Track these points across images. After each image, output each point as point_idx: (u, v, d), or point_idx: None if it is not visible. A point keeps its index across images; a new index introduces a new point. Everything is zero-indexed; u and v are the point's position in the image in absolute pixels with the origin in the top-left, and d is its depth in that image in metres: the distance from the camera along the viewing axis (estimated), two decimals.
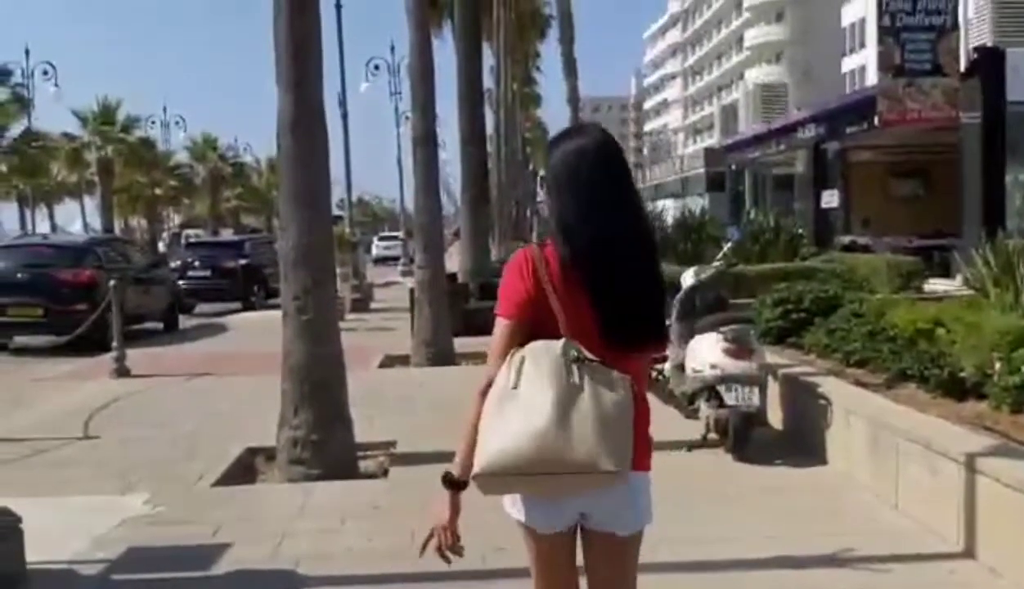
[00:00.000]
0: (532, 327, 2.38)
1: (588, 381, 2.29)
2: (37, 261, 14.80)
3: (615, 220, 2.42)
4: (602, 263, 2.38)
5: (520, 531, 2.52)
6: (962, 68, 18.61)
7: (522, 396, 2.28)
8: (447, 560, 2.48)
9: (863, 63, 47.91)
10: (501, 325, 2.42)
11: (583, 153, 2.45)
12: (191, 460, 6.71)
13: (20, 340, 14.29)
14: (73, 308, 12.62)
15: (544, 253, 2.43)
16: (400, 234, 44.79)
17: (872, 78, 26.99)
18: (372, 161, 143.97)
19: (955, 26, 19.00)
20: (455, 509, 2.44)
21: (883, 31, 19.06)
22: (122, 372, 10.81)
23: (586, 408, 2.26)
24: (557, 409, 2.24)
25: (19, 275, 14.34)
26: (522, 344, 2.35)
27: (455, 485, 2.44)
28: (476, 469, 2.30)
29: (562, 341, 2.32)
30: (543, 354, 2.31)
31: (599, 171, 2.44)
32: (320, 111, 6.36)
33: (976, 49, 18.96)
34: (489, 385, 2.35)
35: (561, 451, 2.23)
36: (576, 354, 2.31)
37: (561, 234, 2.42)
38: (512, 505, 2.48)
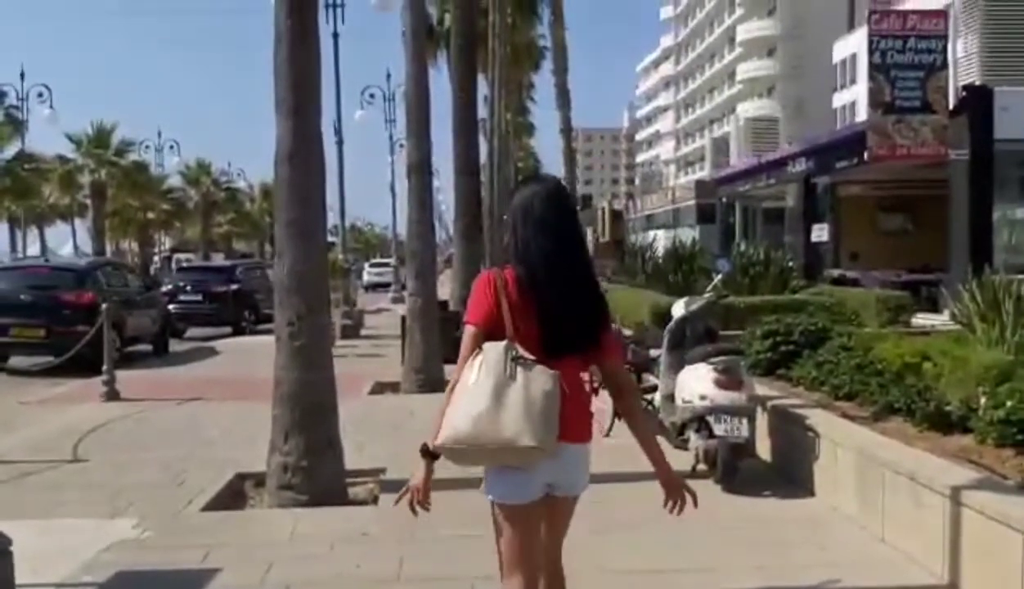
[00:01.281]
0: (493, 332, 2.98)
1: (521, 375, 2.89)
2: (39, 283, 14.94)
3: (562, 250, 3.08)
4: (550, 284, 3.03)
5: (493, 510, 3.05)
6: (951, 106, 18.86)
7: (472, 386, 2.90)
8: (414, 512, 3.07)
9: (854, 99, 48.32)
10: (468, 332, 3.03)
11: (538, 196, 3.12)
12: (180, 485, 6.71)
13: (15, 361, 14.26)
14: (75, 330, 12.67)
15: (504, 274, 3.06)
16: (391, 261, 44.83)
17: (862, 114, 27.26)
18: (365, 188, 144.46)
19: (944, 64, 19.27)
20: (428, 474, 3.03)
21: (874, 68, 19.32)
22: (112, 395, 10.80)
23: (516, 396, 2.86)
24: (493, 396, 2.86)
25: (22, 296, 14.49)
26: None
27: (429, 455, 3.01)
28: (437, 442, 2.93)
29: (505, 342, 2.93)
30: (491, 352, 2.93)
31: (551, 210, 3.09)
32: (318, 140, 6.44)
33: (965, 88, 19.23)
34: (456, 382, 2.96)
35: (494, 429, 2.84)
36: (515, 353, 2.92)
37: (518, 259, 3.07)
38: (489, 491, 3.03)
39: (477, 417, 2.85)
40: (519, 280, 3.04)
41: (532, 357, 2.93)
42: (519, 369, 2.90)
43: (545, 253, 3.05)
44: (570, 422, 2.96)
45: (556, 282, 3.04)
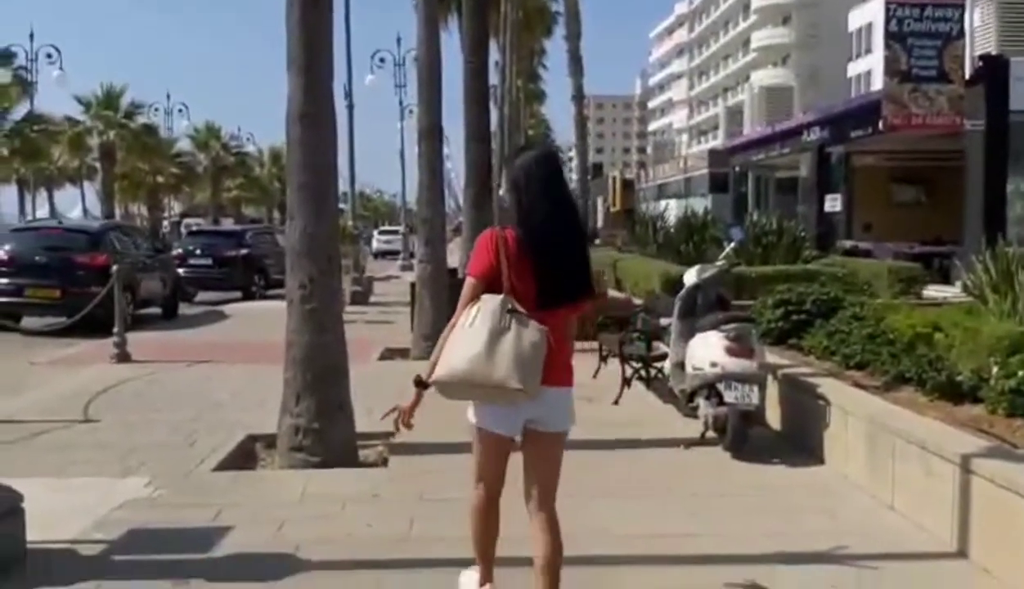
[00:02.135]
0: (490, 286, 3.40)
1: (514, 326, 3.32)
2: (53, 244, 15.02)
3: (560, 213, 3.48)
4: (549, 244, 3.43)
5: (474, 432, 3.55)
6: (967, 76, 18.66)
7: (470, 331, 3.33)
8: (396, 429, 3.62)
9: (869, 68, 47.86)
10: (469, 282, 3.45)
11: (538, 162, 3.52)
12: (191, 445, 6.74)
13: (29, 322, 14.35)
14: (89, 290, 12.71)
15: (505, 234, 3.46)
16: (400, 228, 44.76)
17: (878, 83, 27.00)
18: (374, 155, 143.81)
19: (961, 33, 19.05)
20: (417, 400, 3.54)
21: (890, 36, 19.12)
22: (123, 357, 10.85)
23: (508, 344, 3.29)
24: (489, 342, 3.30)
25: (36, 258, 14.61)
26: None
27: (421, 384, 3.49)
28: (433, 377, 3.39)
29: (502, 296, 3.35)
30: (489, 302, 3.35)
31: (550, 176, 3.50)
32: (329, 101, 6.40)
33: (981, 57, 19.00)
34: (454, 325, 3.42)
35: (486, 370, 3.29)
36: (510, 306, 3.34)
37: (520, 221, 3.46)
38: (472, 415, 3.52)
39: (473, 358, 3.29)
40: (519, 240, 3.42)
41: (525, 311, 3.34)
42: (513, 321, 3.31)
43: (546, 216, 3.44)
44: (554, 369, 3.41)
45: (555, 243, 3.44)
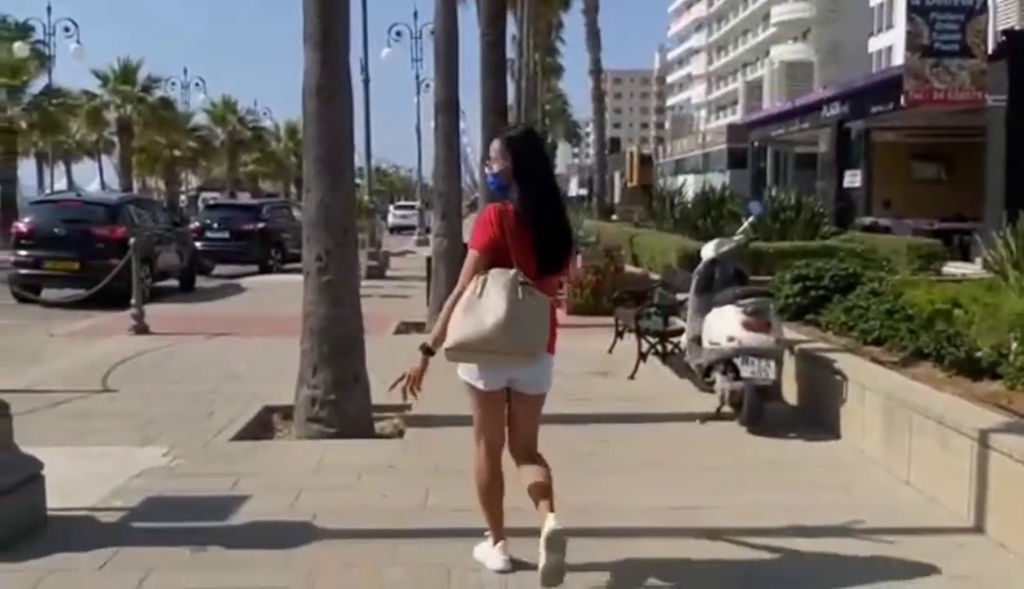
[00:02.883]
0: (494, 258, 3.71)
1: (528, 297, 3.65)
2: (72, 217, 15.12)
3: (551, 188, 3.92)
4: (546, 217, 3.80)
5: (470, 392, 3.88)
6: (989, 51, 18.40)
7: (485, 302, 3.63)
8: (404, 397, 3.89)
9: (891, 43, 47.34)
10: (473, 255, 3.75)
11: (534, 135, 4.05)
12: (209, 416, 6.79)
13: (48, 294, 14.47)
14: (108, 263, 12.79)
15: (506, 208, 3.75)
16: (416, 203, 44.74)
17: (899, 59, 26.68)
18: (390, 130, 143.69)
19: (984, 8, 18.76)
20: (424, 367, 3.82)
21: (912, 10, 18.84)
22: (141, 329, 10.92)
23: (524, 314, 3.64)
24: (509, 313, 3.61)
25: (56, 230, 14.73)
26: (484, 269, 3.70)
27: (428, 352, 3.79)
28: (448, 344, 3.67)
29: (514, 270, 3.67)
30: (500, 277, 3.67)
31: (543, 155, 3.93)
32: (346, 74, 6.38)
33: (1004, 32, 18.75)
34: (459, 295, 3.71)
35: (507, 339, 3.62)
36: (522, 279, 3.67)
37: (519, 196, 3.76)
38: (467, 374, 3.82)
39: (494, 327, 3.60)
40: (518, 214, 3.73)
41: (532, 283, 3.69)
42: (527, 293, 3.66)
43: (541, 191, 3.81)
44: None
45: (551, 212, 3.83)
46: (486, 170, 4.19)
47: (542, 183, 3.83)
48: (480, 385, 3.83)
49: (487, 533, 4.02)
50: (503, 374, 3.81)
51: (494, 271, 3.65)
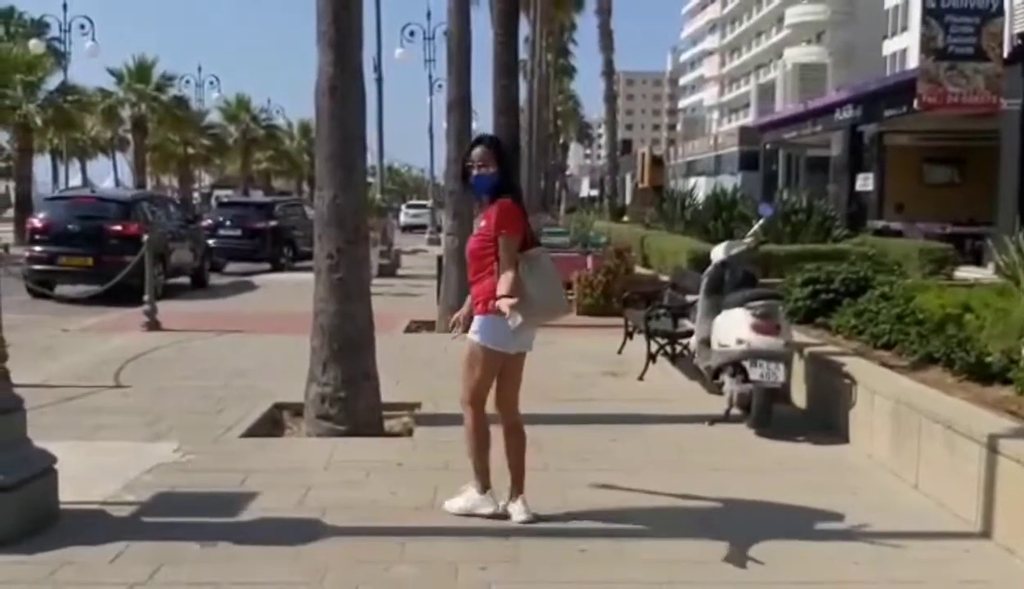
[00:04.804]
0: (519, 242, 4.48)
1: (554, 271, 4.53)
2: (86, 213, 15.24)
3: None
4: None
5: (487, 358, 4.45)
6: (1005, 54, 18.30)
7: (541, 277, 4.41)
8: (452, 332, 4.88)
9: (905, 46, 47.16)
10: (514, 240, 4.41)
11: (511, 149, 4.66)
12: (220, 412, 6.83)
13: (62, 290, 14.55)
14: (122, 259, 12.86)
15: (515, 204, 4.54)
16: (428, 202, 44.82)
17: (913, 63, 26.59)
18: (403, 130, 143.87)
19: (1000, 11, 18.66)
20: (471, 313, 4.57)
21: (927, 12, 18.75)
22: (153, 325, 10.99)
23: (560, 285, 4.58)
24: (555, 285, 4.51)
25: (70, 226, 14.84)
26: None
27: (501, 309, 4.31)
28: (533, 310, 4.29)
29: (541, 249, 4.60)
30: (539, 256, 4.50)
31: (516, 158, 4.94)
32: (359, 73, 6.41)
33: (1020, 35, 18.63)
34: (514, 272, 4.34)
35: (558, 306, 4.57)
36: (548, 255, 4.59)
37: (513, 193, 4.58)
38: (497, 342, 4.40)
39: (555, 296, 4.49)
40: (520, 206, 4.56)
41: None
42: (553, 267, 4.54)
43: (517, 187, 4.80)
44: None
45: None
46: (474, 172, 4.51)
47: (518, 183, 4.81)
48: (511, 349, 4.45)
49: (463, 488, 4.69)
50: (531, 336, 4.52)
51: (535, 251, 4.48)
